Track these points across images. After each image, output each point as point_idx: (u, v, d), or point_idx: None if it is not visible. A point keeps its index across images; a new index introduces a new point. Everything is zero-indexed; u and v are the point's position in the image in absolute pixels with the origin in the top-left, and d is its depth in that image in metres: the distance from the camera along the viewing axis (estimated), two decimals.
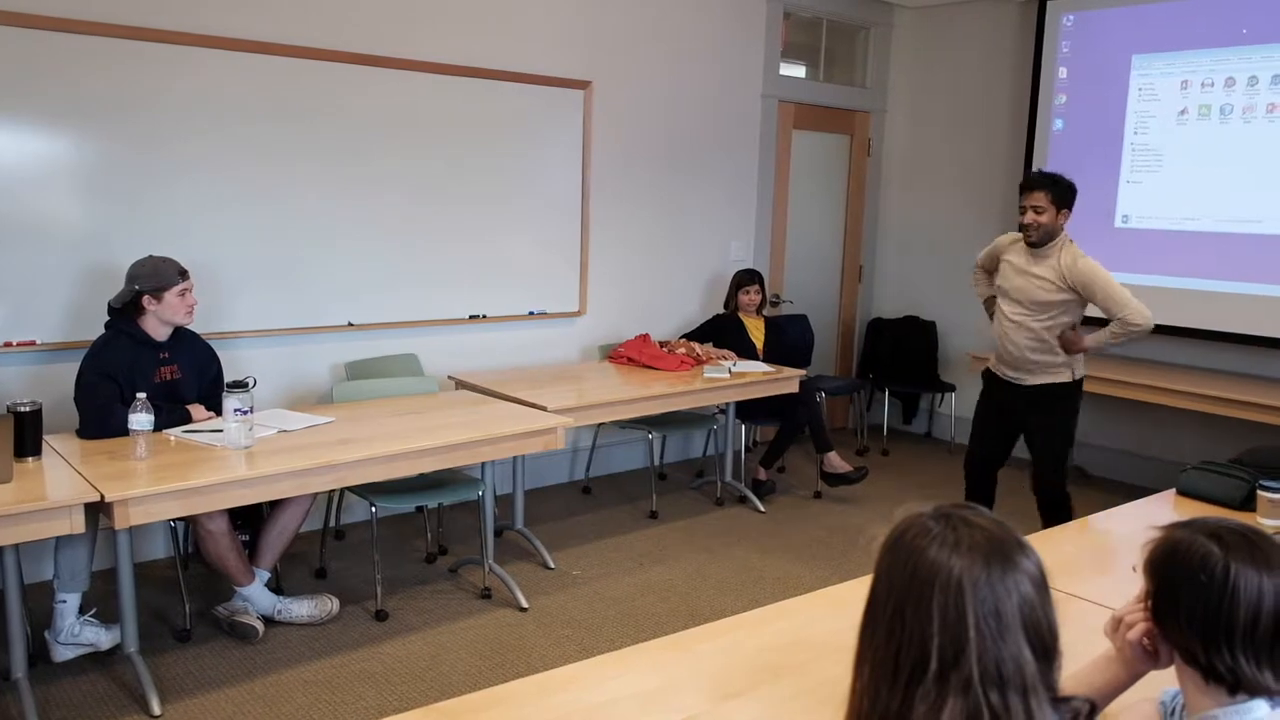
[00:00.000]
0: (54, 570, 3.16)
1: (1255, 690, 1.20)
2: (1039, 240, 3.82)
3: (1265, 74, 4.93)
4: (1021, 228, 3.86)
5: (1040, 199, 3.77)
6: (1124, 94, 5.45)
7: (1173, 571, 1.24)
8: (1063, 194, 3.78)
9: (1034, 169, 5.77)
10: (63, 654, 3.14)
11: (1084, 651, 1.41)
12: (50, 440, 3.09)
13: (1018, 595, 1.05)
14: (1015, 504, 4.17)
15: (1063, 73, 5.70)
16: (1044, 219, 3.77)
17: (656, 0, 5.34)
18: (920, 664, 1.05)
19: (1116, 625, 1.38)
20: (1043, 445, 4.02)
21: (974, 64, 6.29)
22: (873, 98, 6.62)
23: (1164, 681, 1.38)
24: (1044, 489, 4.02)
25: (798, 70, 6.32)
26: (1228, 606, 1.18)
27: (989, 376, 4.14)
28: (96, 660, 3.19)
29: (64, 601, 3.14)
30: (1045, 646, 1.07)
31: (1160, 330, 5.35)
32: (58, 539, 2.96)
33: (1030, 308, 3.87)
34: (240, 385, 3.13)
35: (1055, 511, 3.95)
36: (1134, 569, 1.34)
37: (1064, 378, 3.91)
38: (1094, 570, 2.40)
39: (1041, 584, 1.08)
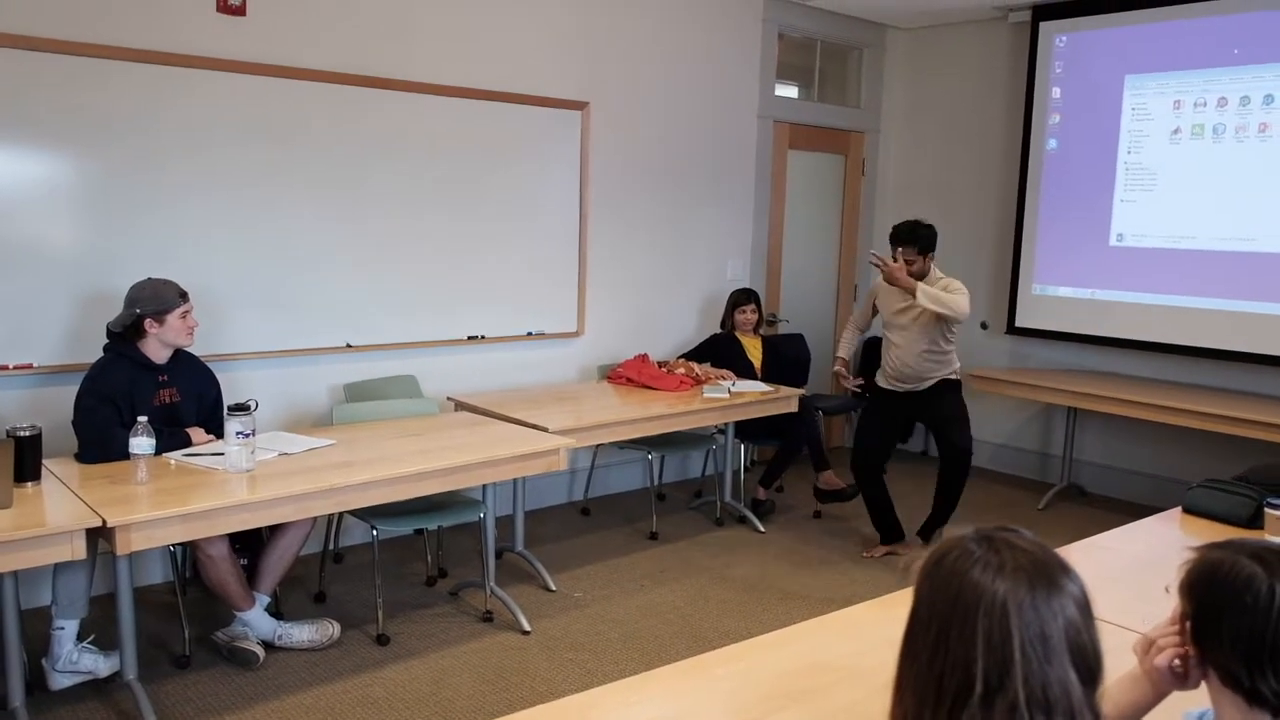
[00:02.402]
0: (52, 596, 3.12)
1: None
2: (917, 279, 4.37)
3: (1257, 94, 4.97)
4: None
5: (910, 252, 4.33)
6: (1117, 114, 5.49)
7: (1215, 594, 1.22)
8: (925, 244, 4.36)
9: (1028, 189, 5.84)
10: (60, 682, 3.09)
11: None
12: (49, 464, 3.05)
13: (1063, 618, 1.04)
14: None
15: (1056, 93, 5.74)
16: (915, 267, 4.33)
17: (653, 22, 5.37)
18: (965, 688, 1.03)
19: (1148, 647, 1.36)
20: (950, 414, 4.54)
21: (967, 84, 6.33)
22: (866, 118, 6.65)
23: (1186, 702, 1.37)
24: (961, 452, 4.53)
25: (791, 91, 6.35)
26: (1274, 629, 1.17)
27: (878, 390, 4.69)
28: (95, 688, 3.14)
29: (62, 628, 3.10)
30: (1090, 670, 1.06)
31: (1156, 348, 5.42)
32: (56, 564, 2.92)
33: (925, 329, 4.40)
34: (242, 408, 3.10)
35: (962, 472, 4.55)
36: (1166, 590, 1.32)
37: (953, 375, 4.54)
38: (1109, 589, 2.37)
39: (1086, 607, 1.08)
